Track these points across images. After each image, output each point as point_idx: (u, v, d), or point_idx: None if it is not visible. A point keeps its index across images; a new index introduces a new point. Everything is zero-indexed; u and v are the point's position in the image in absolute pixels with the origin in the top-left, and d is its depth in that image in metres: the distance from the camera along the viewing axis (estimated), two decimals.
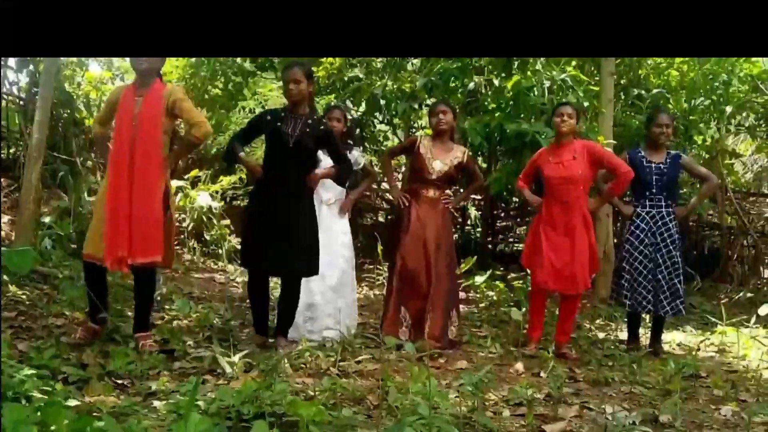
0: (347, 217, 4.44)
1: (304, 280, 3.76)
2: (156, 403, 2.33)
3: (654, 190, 4.28)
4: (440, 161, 4.27)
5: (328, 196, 4.23)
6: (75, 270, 4.88)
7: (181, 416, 2.01)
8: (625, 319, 4.70)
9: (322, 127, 3.73)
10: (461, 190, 6.43)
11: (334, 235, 4.22)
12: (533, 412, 2.59)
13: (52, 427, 1.76)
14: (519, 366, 3.66)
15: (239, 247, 4.56)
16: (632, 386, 3.35)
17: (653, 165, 4.29)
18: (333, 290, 4.09)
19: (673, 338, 4.94)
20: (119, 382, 2.71)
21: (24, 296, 4.32)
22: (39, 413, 1.79)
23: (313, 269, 3.72)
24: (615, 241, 6.48)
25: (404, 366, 3.25)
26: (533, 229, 4.28)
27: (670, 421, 2.70)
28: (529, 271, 6.41)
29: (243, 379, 2.62)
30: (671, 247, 4.22)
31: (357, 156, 4.44)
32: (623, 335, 4.76)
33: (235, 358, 2.95)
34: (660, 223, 4.25)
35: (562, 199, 4.07)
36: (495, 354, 4.05)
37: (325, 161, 4.00)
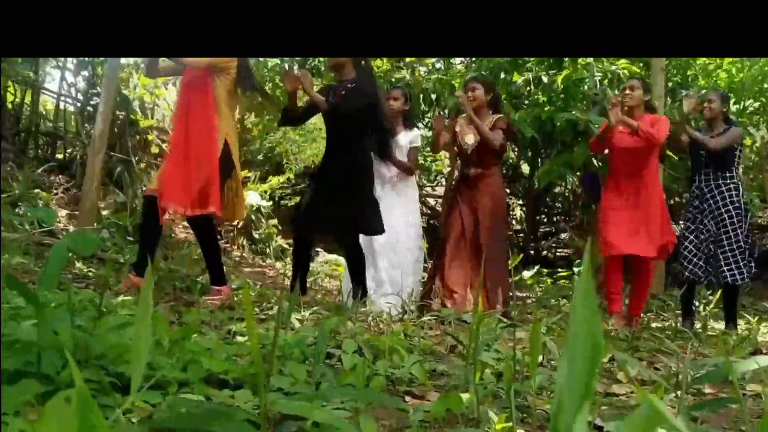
0: (412, 195, 4.48)
1: (371, 255, 3.87)
2: (239, 339, 2.41)
3: (703, 165, 4.30)
4: (472, 135, 4.24)
5: (390, 174, 4.30)
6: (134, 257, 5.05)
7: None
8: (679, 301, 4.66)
9: (366, 93, 3.66)
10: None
11: (394, 217, 4.24)
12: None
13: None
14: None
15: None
16: (696, 356, 3.33)
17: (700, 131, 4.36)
18: (394, 267, 4.15)
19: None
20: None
21: (90, 272, 4.48)
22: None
23: (367, 228, 3.72)
24: None
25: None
26: (602, 205, 4.27)
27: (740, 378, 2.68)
28: (575, 269, 6.47)
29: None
30: (726, 218, 4.18)
31: (416, 136, 4.50)
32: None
33: (306, 314, 3.03)
34: (709, 196, 4.24)
35: (630, 169, 4.10)
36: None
37: (404, 139, 4.12)
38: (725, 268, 4.14)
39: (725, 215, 4.20)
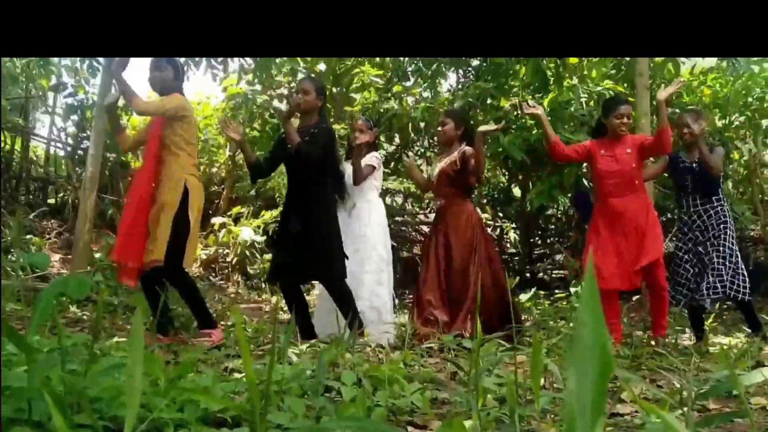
0: (378, 221, 4.42)
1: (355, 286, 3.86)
2: (237, 375, 2.38)
3: (689, 191, 4.27)
4: (438, 166, 4.42)
5: (350, 204, 4.28)
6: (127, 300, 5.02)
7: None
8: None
9: (324, 137, 3.76)
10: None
11: (369, 241, 4.25)
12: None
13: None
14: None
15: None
16: (699, 371, 3.31)
17: (686, 165, 4.27)
18: (371, 291, 4.13)
19: (729, 341, 4.85)
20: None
21: (84, 316, 4.44)
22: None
23: (335, 271, 3.76)
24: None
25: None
26: (591, 231, 4.24)
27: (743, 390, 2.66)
28: (572, 290, 6.44)
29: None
30: (722, 240, 4.15)
31: (374, 154, 4.46)
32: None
33: (303, 347, 3.00)
34: (698, 221, 4.22)
35: (619, 195, 4.06)
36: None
37: (349, 171, 4.19)
38: (733, 287, 4.08)
39: (721, 238, 4.15)
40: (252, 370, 0.92)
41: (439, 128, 4.42)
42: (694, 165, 4.22)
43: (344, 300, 3.76)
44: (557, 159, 4.36)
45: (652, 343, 4.04)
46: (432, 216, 9.22)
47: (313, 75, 7.35)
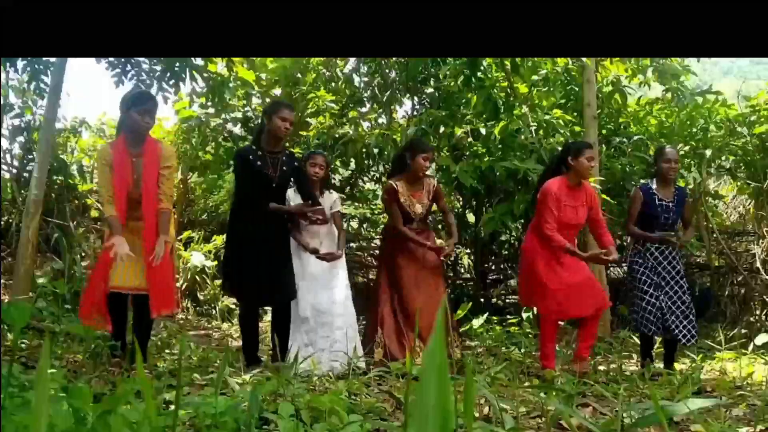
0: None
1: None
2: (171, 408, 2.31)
3: (663, 226, 4.43)
4: (419, 204, 4.53)
5: (314, 245, 4.31)
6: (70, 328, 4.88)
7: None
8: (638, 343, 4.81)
9: (295, 163, 4.06)
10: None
11: (342, 276, 4.40)
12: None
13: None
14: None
15: (221, 280, 4.76)
16: (641, 398, 3.35)
17: (663, 203, 4.44)
18: (349, 326, 4.22)
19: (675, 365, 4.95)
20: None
21: (23, 344, 4.28)
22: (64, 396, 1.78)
23: (293, 293, 4.01)
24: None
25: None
26: (530, 267, 4.29)
27: (684, 418, 2.69)
28: (524, 315, 6.49)
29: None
30: (678, 278, 4.38)
31: (336, 198, 4.66)
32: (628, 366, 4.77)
33: (246, 377, 2.94)
34: (667, 254, 4.40)
35: (573, 235, 4.27)
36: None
37: (295, 198, 4.21)
38: (680, 327, 4.30)
39: (677, 276, 4.39)
40: (154, 411, 0.89)
41: (427, 163, 4.45)
42: (671, 204, 4.40)
43: (288, 324, 3.88)
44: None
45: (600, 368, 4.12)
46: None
47: (268, 99, 7.32)
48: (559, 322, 4.43)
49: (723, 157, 7.32)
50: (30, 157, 7.44)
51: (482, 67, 5.86)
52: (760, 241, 7.14)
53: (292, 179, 4.09)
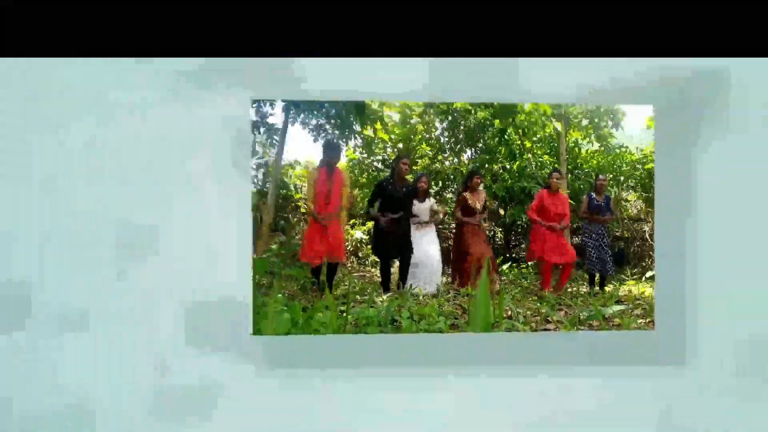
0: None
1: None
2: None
3: (599, 214, 5.85)
4: (478, 203, 5.54)
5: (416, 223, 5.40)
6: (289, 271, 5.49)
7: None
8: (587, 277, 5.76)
9: (409, 187, 5.13)
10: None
11: (429, 248, 5.43)
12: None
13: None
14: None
15: (371, 245, 6.20)
16: (589, 306, 3.90)
17: (599, 203, 5.88)
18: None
19: (605, 288, 7.20)
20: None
21: (263, 282, 4.55)
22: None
23: (409, 252, 5.07)
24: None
25: None
26: (536, 234, 5.56)
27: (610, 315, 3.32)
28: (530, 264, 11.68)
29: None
30: (605, 242, 5.80)
31: (433, 202, 5.66)
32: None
33: (384, 296, 4.02)
34: (600, 231, 5.88)
35: (554, 223, 5.56)
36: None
37: (418, 207, 5.36)
38: (607, 268, 5.75)
39: (605, 242, 5.83)
40: (334, 318, 1.92)
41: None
42: (602, 204, 5.92)
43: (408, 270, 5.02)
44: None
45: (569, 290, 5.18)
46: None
47: (397, 149, 8.61)
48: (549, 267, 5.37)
49: (629, 181, 12.10)
50: (268, 179, 9.04)
51: (507, 132, 9.07)
52: (647, 225, 12.11)
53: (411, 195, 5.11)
